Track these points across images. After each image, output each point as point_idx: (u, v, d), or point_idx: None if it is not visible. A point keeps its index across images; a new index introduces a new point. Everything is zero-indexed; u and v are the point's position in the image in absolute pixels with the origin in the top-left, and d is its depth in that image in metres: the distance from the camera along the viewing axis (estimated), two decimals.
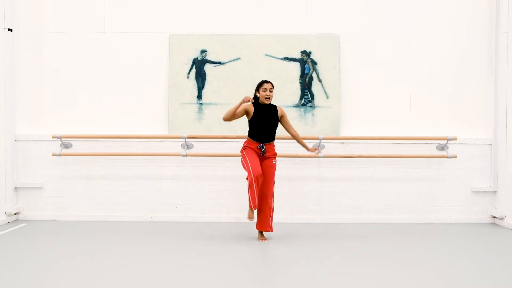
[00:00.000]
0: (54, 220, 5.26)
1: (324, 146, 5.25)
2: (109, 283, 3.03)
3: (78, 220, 5.25)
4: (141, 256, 3.71)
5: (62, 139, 5.17)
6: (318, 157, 4.57)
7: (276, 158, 4.34)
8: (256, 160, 4.14)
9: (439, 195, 5.28)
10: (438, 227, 4.99)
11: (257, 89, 4.22)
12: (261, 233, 4.35)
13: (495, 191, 5.24)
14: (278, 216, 5.23)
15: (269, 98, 4.17)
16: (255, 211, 4.20)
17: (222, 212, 5.23)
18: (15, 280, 3.08)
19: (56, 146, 5.25)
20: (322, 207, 5.28)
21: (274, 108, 4.27)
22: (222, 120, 4.36)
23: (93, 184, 5.29)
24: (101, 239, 4.33)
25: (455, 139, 5.12)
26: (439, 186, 5.29)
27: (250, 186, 4.09)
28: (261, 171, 4.08)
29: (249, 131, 4.26)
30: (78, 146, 5.26)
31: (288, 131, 4.40)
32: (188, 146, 5.23)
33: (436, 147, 5.27)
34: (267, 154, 4.23)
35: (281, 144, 5.22)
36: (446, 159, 5.23)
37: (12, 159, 5.16)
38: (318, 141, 5.20)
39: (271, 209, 4.28)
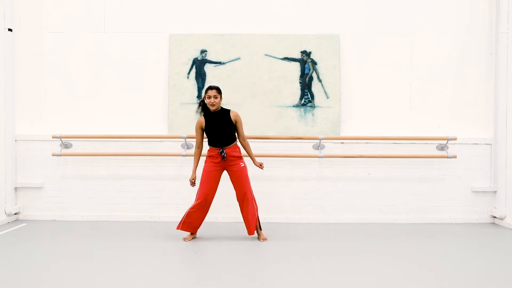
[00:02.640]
0: (54, 220, 5.26)
1: (324, 146, 5.25)
2: (109, 283, 3.03)
3: (78, 220, 5.25)
4: (141, 256, 3.71)
5: (62, 139, 5.17)
6: (262, 168, 4.39)
7: (243, 159, 4.29)
8: (210, 181, 4.16)
9: (439, 195, 5.29)
10: (438, 227, 4.99)
11: (204, 95, 4.21)
12: (258, 233, 4.37)
13: (495, 191, 5.24)
14: (278, 216, 5.25)
15: (213, 105, 4.13)
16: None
17: (222, 212, 5.23)
18: (15, 280, 3.08)
19: (56, 146, 5.25)
20: (322, 207, 5.29)
21: (226, 113, 4.21)
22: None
23: (93, 184, 5.29)
24: (101, 239, 4.33)
25: (455, 139, 5.12)
26: (439, 186, 5.29)
27: (190, 208, 4.20)
28: (210, 195, 4.16)
29: (208, 140, 4.26)
30: (78, 146, 5.26)
31: (238, 138, 4.33)
32: (188, 146, 5.23)
33: (436, 147, 5.27)
34: (229, 158, 4.18)
35: (281, 144, 5.24)
36: (446, 159, 5.23)
37: (12, 159, 5.16)
38: (318, 141, 5.21)
39: (254, 213, 4.26)
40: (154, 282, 3.05)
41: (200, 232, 4.50)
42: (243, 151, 4.40)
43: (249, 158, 4.39)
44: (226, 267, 3.43)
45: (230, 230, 4.78)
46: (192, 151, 5.22)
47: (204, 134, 4.27)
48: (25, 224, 5.03)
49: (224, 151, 4.17)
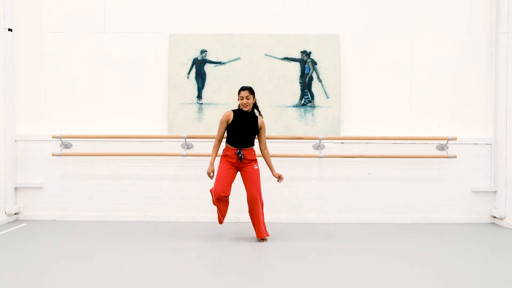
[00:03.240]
0: (54, 220, 5.26)
1: (324, 146, 5.25)
2: (109, 283, 3.03)
3: (78, 220, 5.25)
4: (140, 256, 3.71)
5: (62, 139, 5.17)
6: (280, 181, 4.34)
7: (258, 162, 4.28)
8: (224, 179, 4.14)
9: (439, 195, 5.29)
10: (438, 227, 4.99)
11: (238, 96, 4.21)
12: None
13: (495, 191, 5.24)
14: (278, 216, 5.25)
15: (246, 105, 4.13)
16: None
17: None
18: (15, 280, 3.08)
19: (56, 146, 5.26)
20: (322, 207, 5.29)
21: (255, 117, 4.22)
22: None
23: (93, 184, 5.29)
24: (101, 239, 4.33)
25: (455, 139, 5.12)
26: (439, 186, 5.29)
27: (214, 203, 4.26)
28: (225, 193, 4.12)
29: (227, 136, 4.24)
30: (78, 146, 5.26)
31: (259, 145, 4.33)
32: (188, 146, 5.23)
33: (436, 147, 5.27)
34: (245, 160, 4.18)
35: (281, 144, 5.24)
36: (446, 159, 5.23)
37: (12, 159, 5.16)
38: (318, 141, 5.21)
39: (262, 215, 4.28)
40: (154, 282, 3.05)
41: (200, 232, 4.50)
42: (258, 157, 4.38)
43: (263, 161, 4.39)
44: (226, 267, 3.43)
45: (231, 230, 4.78)
46: (192, 151, 5.22)
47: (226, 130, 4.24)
48: (25, 224, 5.03)
49: (242, 152, 4.17)
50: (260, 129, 4.26)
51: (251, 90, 4.17)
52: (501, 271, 3.37)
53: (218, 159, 4.54)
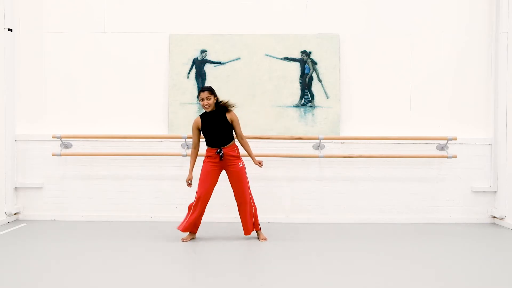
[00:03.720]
0: (54, 220, 5.26)
1: (324, 146, 5.25)
2: (109, 283, 3.03)
3: (78, 220, 5.25)
4: (140, 256, 3.71)
5: (62, 139, 5.17)
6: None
7: (242, 159, 4.28)
8: (207, 181, 4.17)
9: (439, 195, 5.29)
10: (438, 227, 4.99)
11: (198, 98, 4.23)
12: (258, 233, 4.37)
13: (495, 191, 5.24)
14: (278, 216, 5.25)
15: (208, 106, 4.14)
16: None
17: (222, 212, 5.23)
18: (15, 280, 3.08)
19: (56, 146, 5.25)
20: (322, 207, 5.29)
21: (223, 113, 4.20)
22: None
23: (93, 184, 5.29)
24: (101, 239, 4.33)
25: (455, 139, 5.12)
26: (439, 186, 5.29)
27: (189, 209, 4.25)
28: (207, 195, 4.17)
29: (205, 140, 4.26)
30: (78, 146, 5.26)
31: (236, 137, 4.32)
32: (188, 146, 5.23)
33: (436, 147, 5.27)
34: (227, 158, 4.18)
35: (281, 144, 5.24)
36: (446, 159, 5.23)
37: (12, 159, 5.16)
38: (318, 141, 5.21)
39: (251, 213, 4.28)
40: (153, 282, 3.05)
41: (199, 232, 4.50)
42: (242, 151, 4.39)
43: (248, 158, 4.38)
44: (226, 267, 3.43)
45: (230, 230, 4.78)
46: None
47: (202, 134, 4.28)
48: (25, 224, 5.03)
49: (222, 151, 4.17)
50: (232, 122, 4.23)
51: (210, 90, 4.17)
52: (501, 271, 3.37)
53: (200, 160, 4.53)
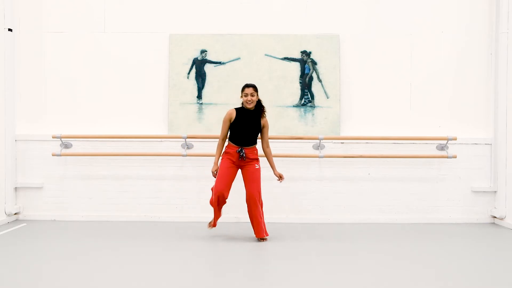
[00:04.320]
0: (54, 220, 5.26)
1: (324, 146, 5.25)
2: (109, 283, 3.03)
3: (78, 220, 5.25)
4: (140, 256, 3.71)
5: (62, 139, 5.17)
6: (281, 181, 4.36)
7: (260, 162, 4.28)
8: (225, 178, 4.14)
9: (439, 195, 5.29)
10: (438, 227, 4.99)
11: (241, 93, 4.19)
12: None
13: (495, 191, 5.24)
14: (278, 216, 5.25)
15: (250, 102, 4.12)
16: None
17: (223, 212, 5.19)
18: (15, 280, 3.08)
19: (56, 146, 5.25)
20: (322, 207, 5.28)
21: (258, 115, 4.20)
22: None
23: (93, 184, 5.29)
24: (101, 239, 4.33)
25: (455, 139, 5.12)
26: (439, 186, 5.29)
27: (212, 203, 4.25)
28: (225, 193, 4.14)
29: (230, 135, 4.24)
30: (78, 146, 5.26)
31: (262, 143, 4.32)
32: (188, 146, 5.23)
33: (436, 147, 5.27)
34: (247, 158, 4.17)
35: (281, 144, 5.24)
36: (446, 159, 5.23)
37: (12, 159, 5.16)
38: (318, 141, 5.21)
39: (261, 215, 4.27)
40: (153, 282, 3.05)
41: (200, 232, 4.50)
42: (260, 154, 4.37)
43: (265, 160, 4.37)
44: (226, 267, 3.43)
45: (231, 230, 4.78)
46: (192, 151, 5.22)
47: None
48: (25, 224, 5.03)
49: (244, 151, 4.16)
50: (263, 127, 4.24)
51: (255, 88, 4.17)
52: (501, 271, 3.37)
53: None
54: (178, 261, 3.62)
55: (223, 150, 4.27)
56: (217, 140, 4.70)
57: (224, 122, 4.21)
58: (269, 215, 5.20)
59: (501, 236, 4.60)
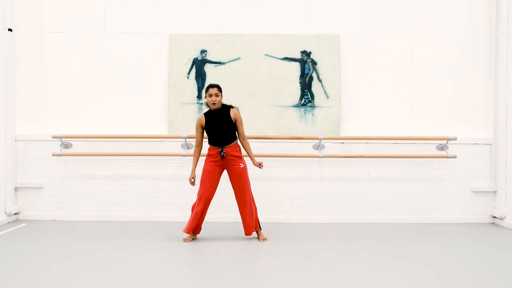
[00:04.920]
0: (54, 220, 5.26)
1: (324, 146, 5.25)
2: (109, 283, 3.03)
3: (78, 220, 5.25)
4: (140, 256, 3.71)
5: (62, 139, 5.17)
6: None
7: (244, 159, 4.27)
8: (209, 180, 4.16)
9: (439, 195, 5.29)
10: (438, 227, 4.99)
11: (205, 94, 4.18)
12: (258, 233, 4.37)
13: (495, 191, 5.24)
14: (278, 216, 5.25)
15: (214, 103, 4.12)
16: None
17: (222, 212, 5.23)
18: (15, 280, 3.08)
19: (56, 146, 5.25)
20: (322, 207, 5.29)
21: (227, 112, 4.19)
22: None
23: (93, 184, 5.29)
24: (101, 239, 4.33)
25: (455, 139, 5.12)
26: (439, 186, 5.29)
27: (193, 209, 4.23)
28: (210, 195, 4.16)
29: (208, 138, 4.25)
30: (78, 146, 5.26)
31: (238, 137, 4.30)
32: (188, 146, 5.23)
33: (436, 147, 5.27)
34: (229, 157, 4.17)
35: (281, 144, 5.24)
36: (446, 159, 5.23)
37: (12, 159, 5.16)
38: (318, 141, 5.21)
39: (252, 213, 4.27)
40: (154, 282, 3.05)
41: (200, 232, 4.49)
42: (243, 151, 4.39)
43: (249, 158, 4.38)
44: (226, 267, 3.43)
45: (230, 230, 4.78)
46: (192, 151, 5.22)
47: (205, 133, 4.27)
48: (25, 224, 5.03)
49: (224, 150, 4.16)
50: (236, 121, 4.22)
51: (219, 88, 4.17)
52: (501, 271, 3.37)
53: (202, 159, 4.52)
54: (178, 261, 3.62)
55: (206, 153, 4.29)
56: None
57: (196, 129, 4.25)
58: (269, 215, 5.21)
59: (501, 236, 4.60)
